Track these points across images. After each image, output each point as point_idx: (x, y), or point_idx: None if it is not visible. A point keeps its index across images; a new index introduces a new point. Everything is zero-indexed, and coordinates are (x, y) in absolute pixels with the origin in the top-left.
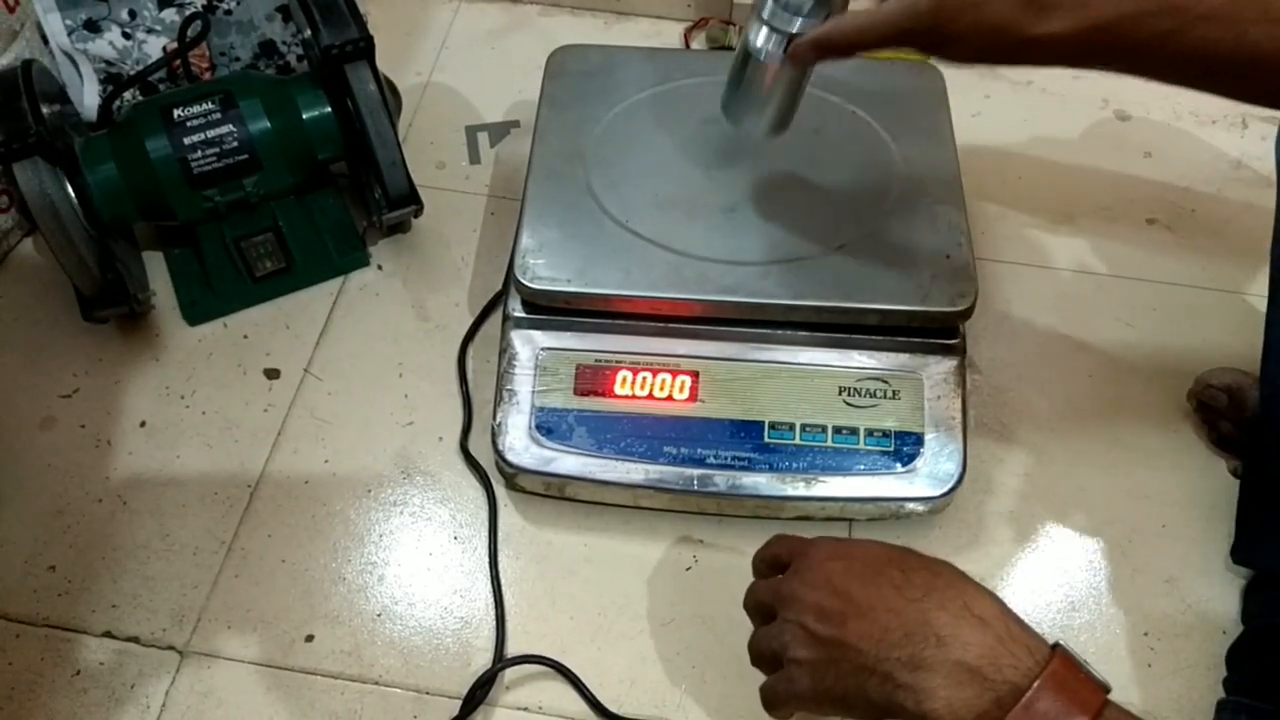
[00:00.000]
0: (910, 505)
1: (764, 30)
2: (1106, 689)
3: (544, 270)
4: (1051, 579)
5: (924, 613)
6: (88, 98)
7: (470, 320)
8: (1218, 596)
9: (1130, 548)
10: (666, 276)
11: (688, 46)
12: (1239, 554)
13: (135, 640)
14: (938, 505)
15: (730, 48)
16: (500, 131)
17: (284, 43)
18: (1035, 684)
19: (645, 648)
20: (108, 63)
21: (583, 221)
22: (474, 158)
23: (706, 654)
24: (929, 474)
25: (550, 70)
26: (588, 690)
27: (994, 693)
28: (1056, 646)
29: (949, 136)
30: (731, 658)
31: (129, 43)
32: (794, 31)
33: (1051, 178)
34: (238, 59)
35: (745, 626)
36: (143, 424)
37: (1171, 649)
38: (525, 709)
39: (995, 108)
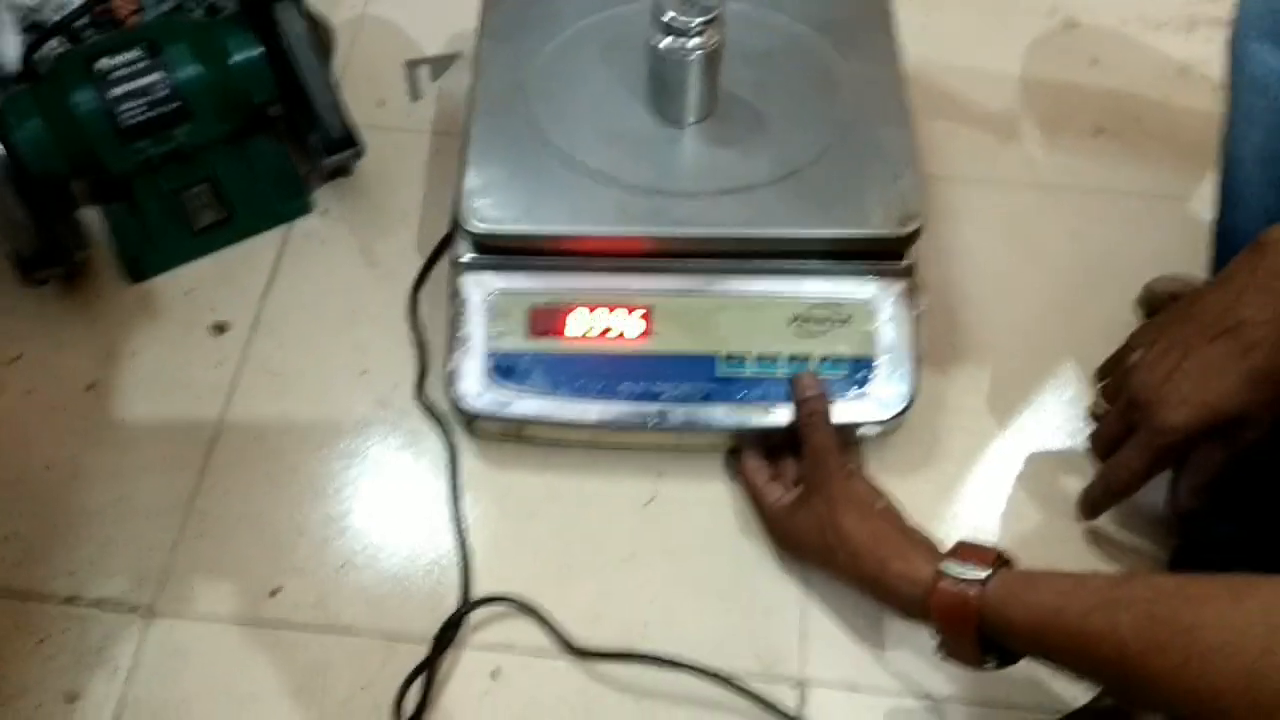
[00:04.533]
0: (864, 428)
1: (668, 35)
2: (1001, 553)
3: (490, 211)
4: (1002, 490)
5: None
6: (8, 49)
7: (420, 264)
8: (1161, 500)
9: (1079, 457)
10: (616, 212)
11: None
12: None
13: (99, 604)
14: (891, 426)
15: None
16: (442, 65)
17: None
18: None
19: (609, 582)
20: (29, 9)
21: (528, 158)
22: (415, 94)
23: (670, 584)
24: (881, 397)
25: None
26: (554, 626)
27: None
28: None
29: (894, 55)
30: (693, 586)
31: None
32: (695, 25)
33: (999, 90)
34: (164, 0)
35: (705, 555)
36: (91, 386)
37: (1117, 553)
38: (493, 648)
39: (942, 19)
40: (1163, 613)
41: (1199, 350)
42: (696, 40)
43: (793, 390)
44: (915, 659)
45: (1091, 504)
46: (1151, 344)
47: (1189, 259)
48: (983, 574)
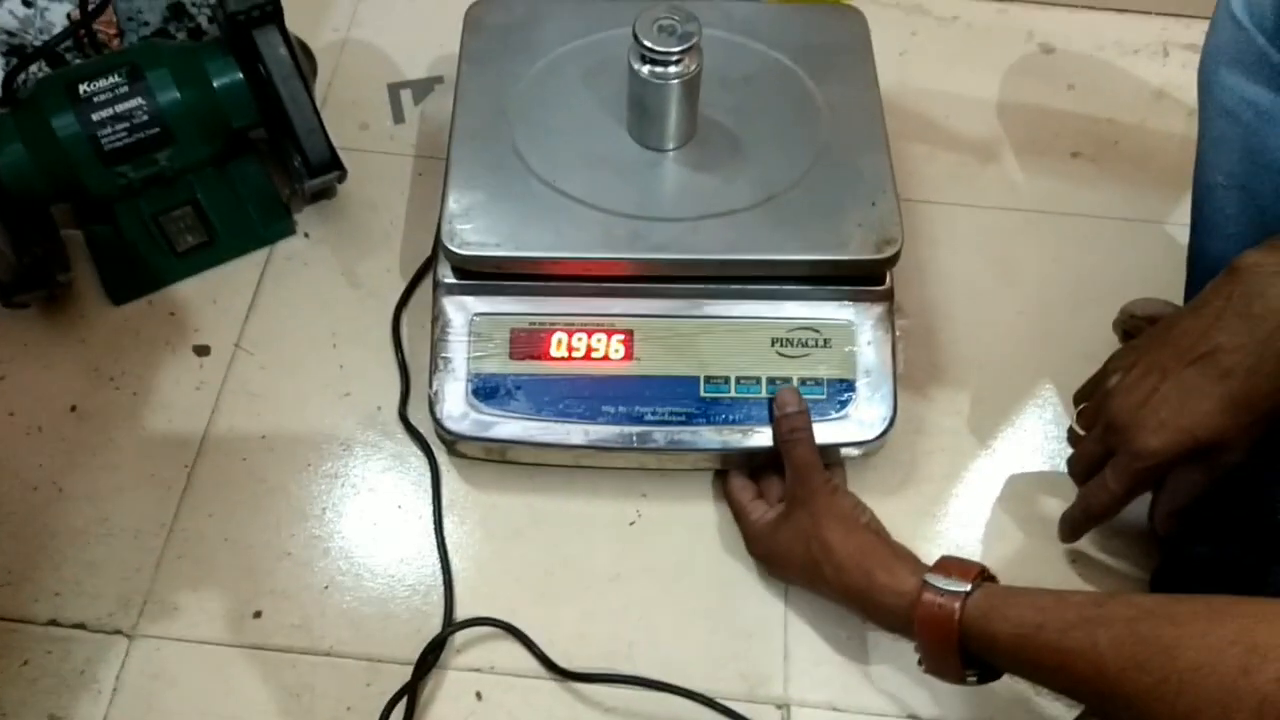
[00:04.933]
0: (845, 450)
1: (647, 64)
2: (984, 569)
3: (472, 235)
4: (982, 511)
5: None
6: None
7: (403, 286)
8: (1143, 520)
9: (1059, 478)
10: (597, 237)
11: None
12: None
13: (81, 626)
14: (871, 448)
15: None
16: (424, 88)
17: (193, 4)
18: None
19: (593, 603)
20: (9, 34)
21: (509, 183)
22: (398, 117)
23: (653, 605)
24: (861, 419)
25: (469, 24)
26: (538, 648)
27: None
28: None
29: (873, 81)
30: (677, 607)
31: (30, 11)
32: (673, 53)
33: (978, 114)
34: (146, 24)
35: (689, 576)
36: (73, 408)
37: (1099, 573)
38: (477, 670)
39: (921, 45)
40: (1143, 631)
41: (1176, 375)
42: (675, 68)
43: (773, 406)
44: (899, 679)
45: (1071, 527)
46: (1129, 368)
47: (1167, 281)
48: (965, 587)
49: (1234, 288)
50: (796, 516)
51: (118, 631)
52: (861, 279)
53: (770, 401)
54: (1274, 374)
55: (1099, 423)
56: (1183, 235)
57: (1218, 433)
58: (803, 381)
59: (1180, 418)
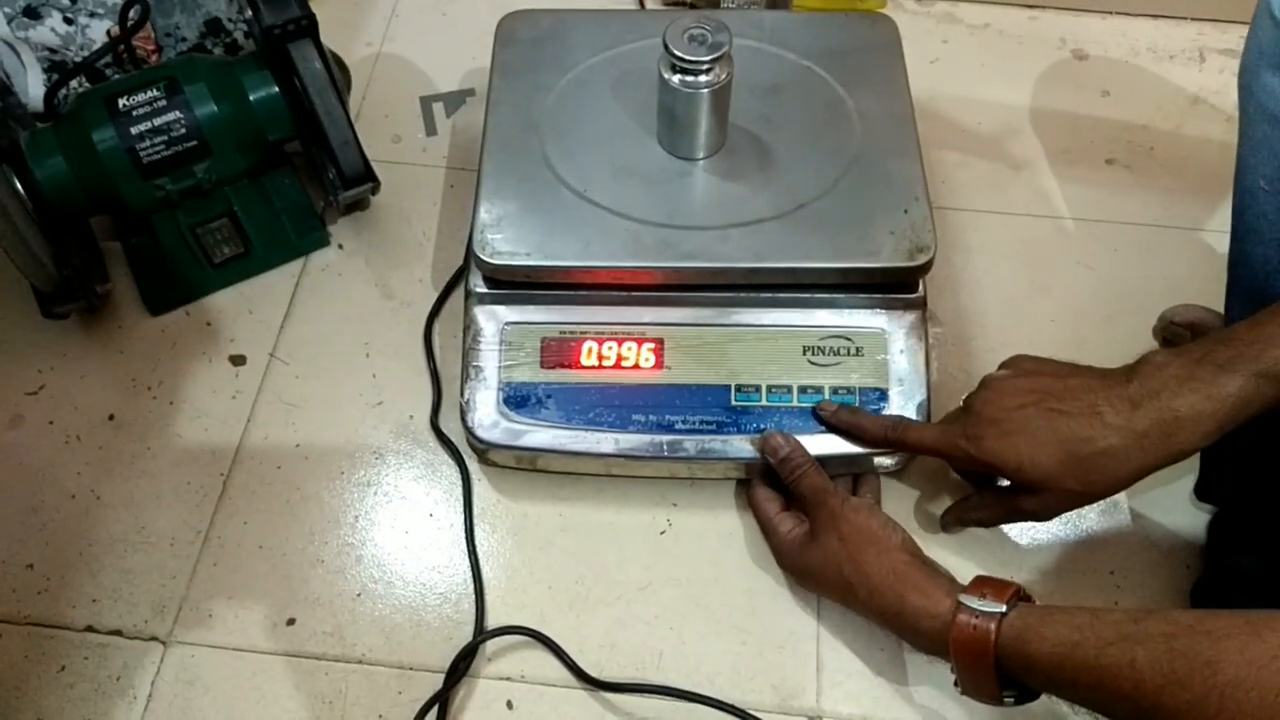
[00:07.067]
0: (878, 460)
1: (677, 73)
2: (1020, 589)
3: (503, 245)
4: (1017, 523)
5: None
6: (32, 88)
7: (435, 296)
8: (1182, 533)
9: None
10: (627, 245)
11: (642, 6)
12: (1202, 491)
13: (118, 633)
14: (903, 459)
15: (685, 3)
16: (455, 101)
17: (230, 20)
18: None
19: (623, 612)
20: (51, 50)
21: (540, 193)
22: (430, 129)
23: (683, 615)
24: None
25: (500, 38)
26: (568, 657)
27: (950, 598)
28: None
29: (904, 88)
30: (708, 617)
31: (71, 28)
32: (705, 64)
33: (1011, 121)
34: (184, 39)
35: (720, 586)
36: (111, 417)
37: (1138, 586)
38: (508, 678)
39: (953, 52)
40: (1181, 647)
41: (1047, 410)
42: (705, 76)
43: (764, 454)
44: (933, 692)
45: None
46: (1021, 375)
47: (1203, 289)
48: (1000, 608)
49: (1133, 377)
50: (824, 539)
51: (153, 638)
52: (894, 287)
53: (759, 448)
54: (1133, 461)
55: (968, 399)
56: (1220, 242)
57: (1039, 479)
58: (835, 390)
59: (1021, 444)
